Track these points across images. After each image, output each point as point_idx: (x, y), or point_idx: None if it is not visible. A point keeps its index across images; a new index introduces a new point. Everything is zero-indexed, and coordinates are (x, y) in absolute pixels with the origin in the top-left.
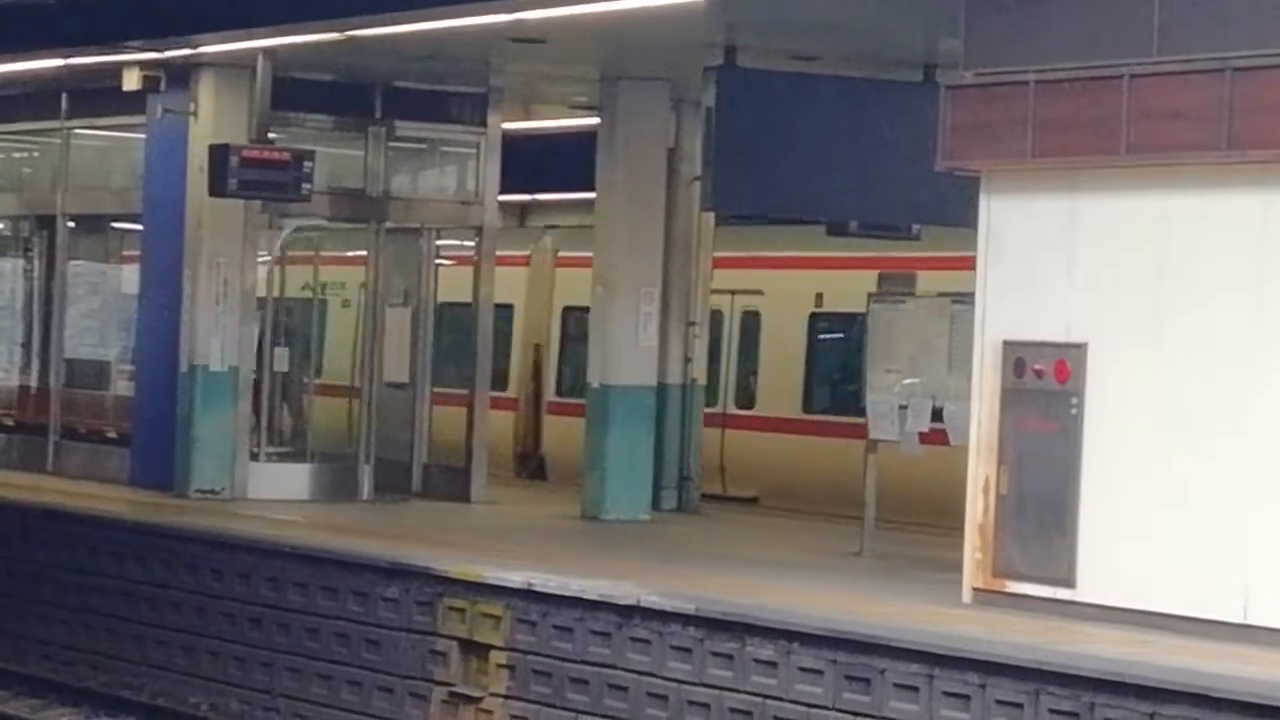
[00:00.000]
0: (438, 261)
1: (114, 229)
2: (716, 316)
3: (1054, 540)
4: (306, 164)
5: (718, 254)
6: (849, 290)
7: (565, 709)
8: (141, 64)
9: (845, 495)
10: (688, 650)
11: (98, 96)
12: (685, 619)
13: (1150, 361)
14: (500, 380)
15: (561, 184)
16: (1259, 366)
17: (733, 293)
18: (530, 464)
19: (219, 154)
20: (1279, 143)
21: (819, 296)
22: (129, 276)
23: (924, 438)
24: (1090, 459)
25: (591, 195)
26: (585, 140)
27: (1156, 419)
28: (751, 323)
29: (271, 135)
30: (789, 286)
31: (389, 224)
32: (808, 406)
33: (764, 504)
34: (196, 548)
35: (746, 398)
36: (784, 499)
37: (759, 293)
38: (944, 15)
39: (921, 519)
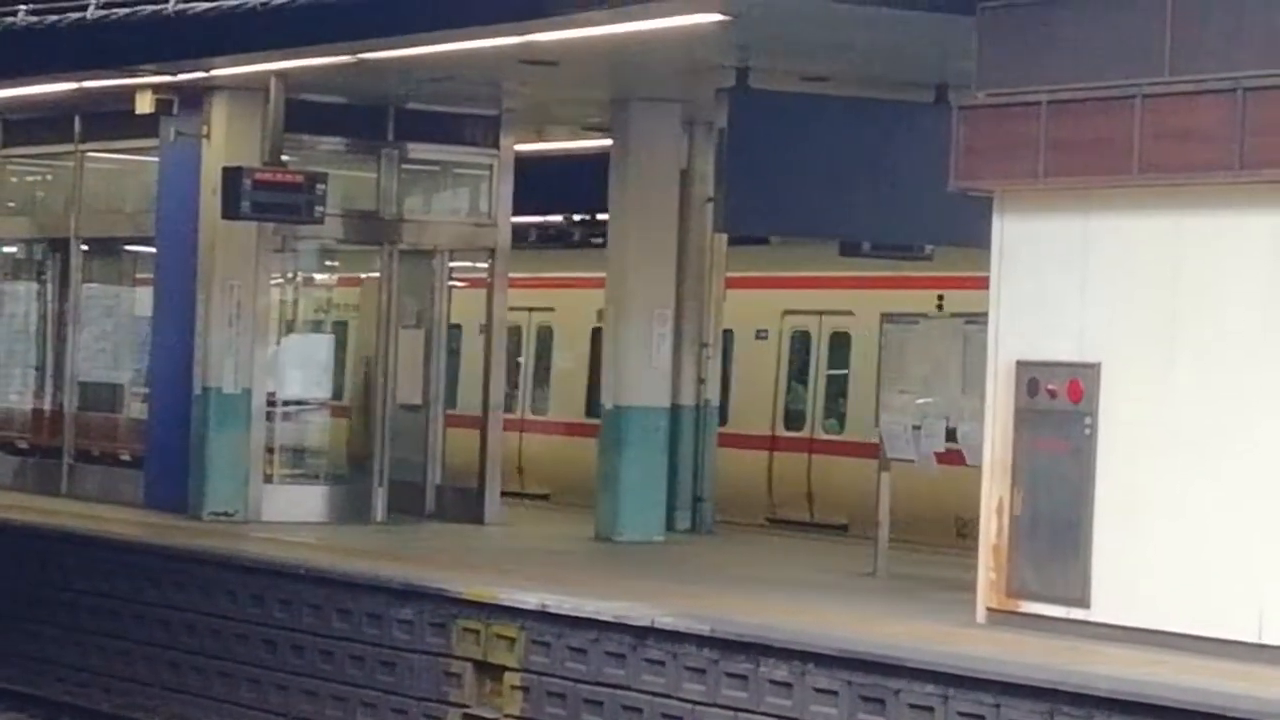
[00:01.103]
0: (451, 283)
1: (127, 252)
2: (515, 332)
3: (1068, 560)
4: (319, 186)
5: (516, 275)
6: None
7: None
8: (154, 87)
9: None
10: (702, 671)
11: (111, 120)
12: (700, 640)
13: (1163, 381)
14: (339, 391)
15: (573, 206)
16: (1272, 386)
17: (530, 310)
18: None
19: (232, 176)
20: None
21: (600, 313)
22: (142, 299)
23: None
24: (1104, 479)
25: None
26: (595, 163)
27: (1170, 439)
28: (545, 336)
29: (284, 158)
30: (575, 304)
31: (402, 246)
32: (590, 412)
33: (554, 500)
34: (210, 570)
35: (543, 405)
36: (571, 495)
37: (551, 309)
38: (956, 36)
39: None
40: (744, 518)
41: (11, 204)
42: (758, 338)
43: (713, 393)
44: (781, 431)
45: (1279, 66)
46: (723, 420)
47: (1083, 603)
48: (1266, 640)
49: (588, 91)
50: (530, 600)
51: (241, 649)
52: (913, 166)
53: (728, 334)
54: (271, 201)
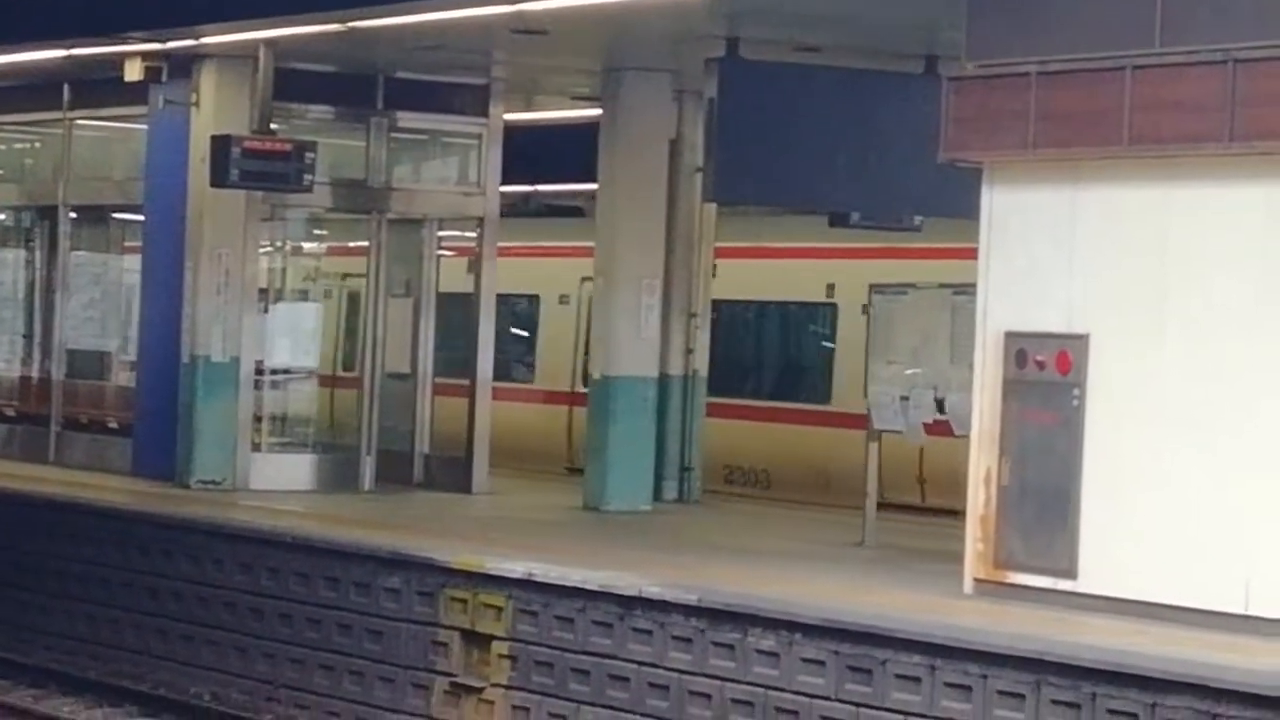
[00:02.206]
0: (439, 252)
1: (115, 220)
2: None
3: (1055, 531)
4: (308, 155)
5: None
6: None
7: (567, 699)
8: (143, 55)
9: None
10: (689, 641)
11: (99, 87)
12: (687, 609)
13: (1152, 353)
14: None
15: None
16: (1261, 357)
17: (343, 276)
18: None
19: (220, 145)
20: None
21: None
22: (130, 267)
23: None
24: (1092, 450)
25: None
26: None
27: (1158, 410)
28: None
29: (273, 126)
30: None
31: (390, 215)
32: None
33: None
34: (198, 538)
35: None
36: None
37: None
38: (945, 7)
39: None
40: (550, 466)
41: (0, 172)
42: (560, 302)
43: (701, 363)
44: (580, 388)
45: (1270, 38)
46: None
47: (1070, 574)
48: (1253, 611)
49: (578, 61)
50: (517, 569)
51: (229, 617)
52: (902, 137)
53: (535, 299)
54: (260, 170)
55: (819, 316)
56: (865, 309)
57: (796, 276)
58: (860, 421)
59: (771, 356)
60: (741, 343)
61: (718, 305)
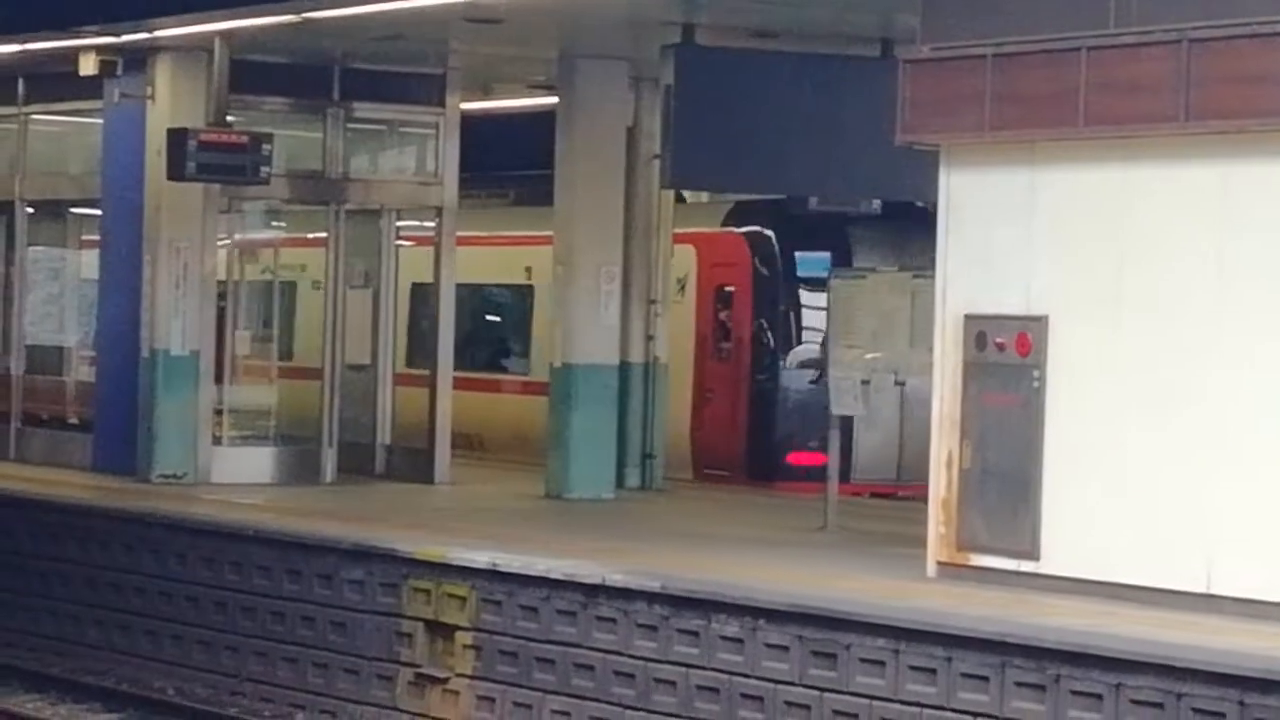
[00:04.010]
0: (398, 242)
1: (73, 214)
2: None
3: (1017, 513)
4: (265, 147)
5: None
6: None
7: (532, 688)
8: (98, 49)
9: None
10: (653, 628)
11: (55, 82)
12: (650, 597)
13: (1111, 334)
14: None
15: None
16: (1219, 338)
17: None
18: None
19: (177, 138)
20: (1237, 113)
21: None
22: (89, 262)
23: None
24: (1052, 431)
25: None
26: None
27: (1118, 391)
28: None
29: (229, 118)
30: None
31: (348, 205)
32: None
33: None
34: (160, 532)
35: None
36: None
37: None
38: None
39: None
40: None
41: None
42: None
43: (661, 350)
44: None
45: (1223, 17)
46: None
47: (1032, 555)
48: (1215, 590)
49: (534, 49)
50: (481, 559)
51: (192, 611)
52: (859, 121)
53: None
54: (217, 162)
55: (519, 297)
56: None
57: (503, 261)
58: None
59: (482, 333)
60: (459, 321)
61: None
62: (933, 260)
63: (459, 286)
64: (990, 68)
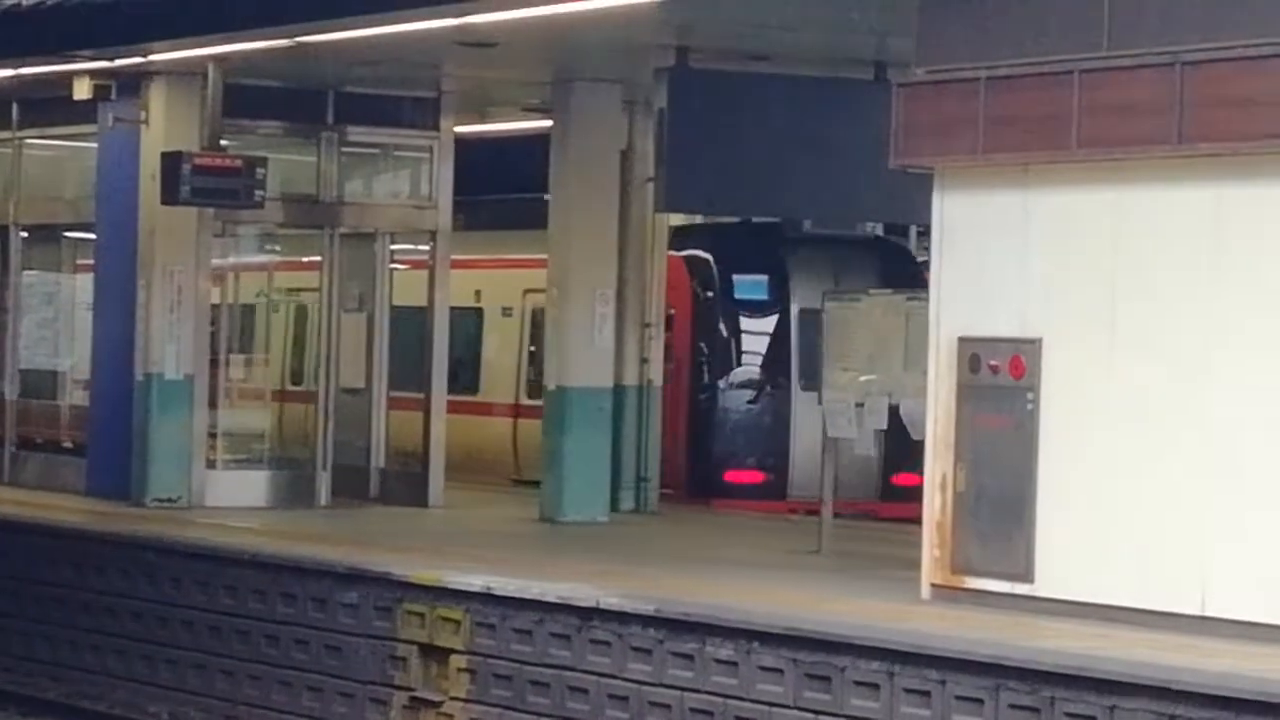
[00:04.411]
0: (391, 266)
1: (67, 238)
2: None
3: (1012, 535)
4: (259, 171)
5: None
6: None
7: (526, 712)
8: (92, 73)
9: None
10: (648, 651)
11: (49, 106)
12: (645, 620)
13: (1105, 356)
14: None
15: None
16: (1213, 360)
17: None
18: None
19: (171, 162)
20: (1230, 136)
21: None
22: (83, 286)
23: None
24: (1046, 454)
25: None
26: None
27: (1112, 413)
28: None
29: (223, 142)
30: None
31: (343, 229)
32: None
33: None
34: (154, 556)
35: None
36: None
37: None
38: (895, 14)
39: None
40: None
41: None
42: (504, 314)
43: (655, 373)
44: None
45: (1217, 40)
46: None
47: (1027, 578)
48: (1210, 613)
49: (527, 73)
50: (475, 583)
51: (187, 636)
52: (853, 144)
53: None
54: (211, 187)
55: (469, 320)
56: (505, 311)
57: (453, 285)
58: (504, 410)
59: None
60: (409, 344)
61: (395, 311)
62: (873, 284)
63: (402, 310)
64: (984, 91)
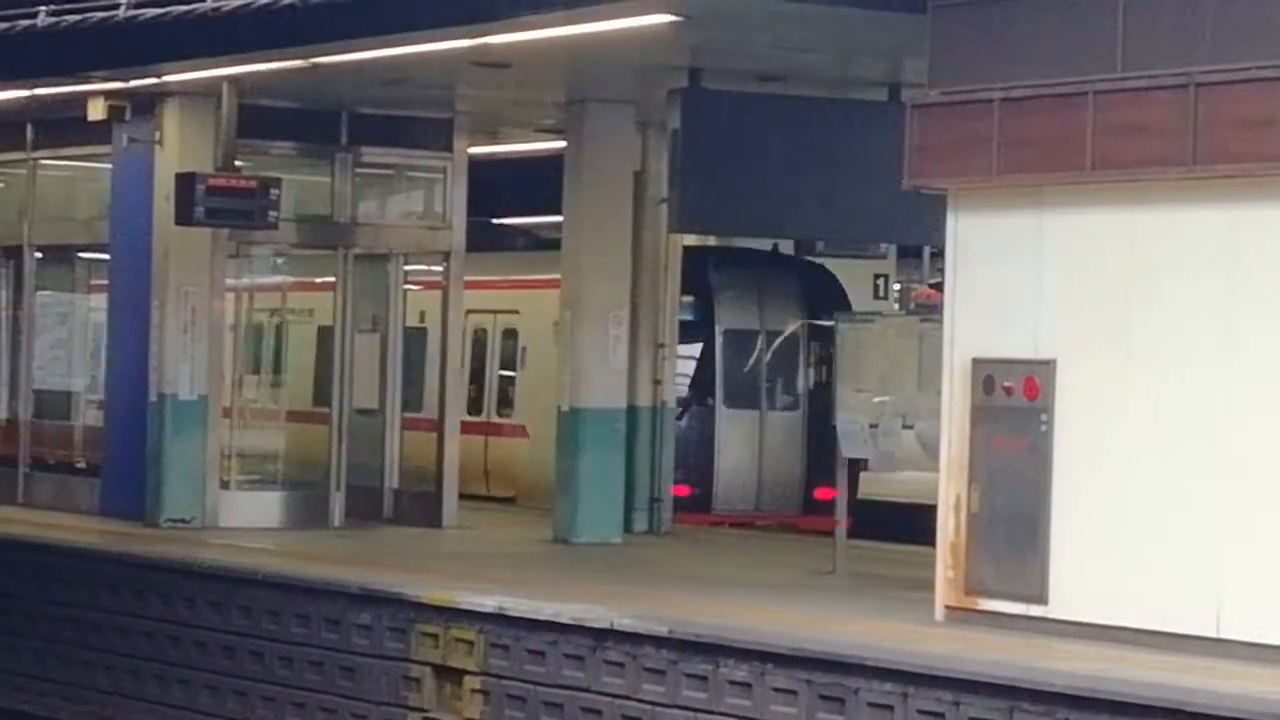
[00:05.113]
0: (405, 287)
1: (81, 259)
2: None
3: (1026, 557)
4: (273, 191)
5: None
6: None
7: None
8: (106, 94)
9: None
10: (661, 672)
11: (63, 127)
12: (659, 641)
13: (1119, 377)
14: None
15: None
16: (1228, 381)
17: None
18: None
19: (185, 183)
20: (1244, 157)
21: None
22: (97, 306)
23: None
24: (1060, 475)
25: None
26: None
27: (1126, 434)
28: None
29: (238, 163)
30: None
31: (356, 250)
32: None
33: None
34: (168, 577)
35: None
36: None
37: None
38: (909, 35)
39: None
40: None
41: None
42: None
43: (669, 394)
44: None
45: (1231, 61)
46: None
47: (1041, 599)
48: (1224, 635)
49: (541, 93)
50: (489, 604)
51: (200, 656)
52: (867, 165)
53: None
54: (225, 207)
55: (418, 339)
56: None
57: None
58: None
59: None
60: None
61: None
62: (795, 307)
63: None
64: (998, 112)
